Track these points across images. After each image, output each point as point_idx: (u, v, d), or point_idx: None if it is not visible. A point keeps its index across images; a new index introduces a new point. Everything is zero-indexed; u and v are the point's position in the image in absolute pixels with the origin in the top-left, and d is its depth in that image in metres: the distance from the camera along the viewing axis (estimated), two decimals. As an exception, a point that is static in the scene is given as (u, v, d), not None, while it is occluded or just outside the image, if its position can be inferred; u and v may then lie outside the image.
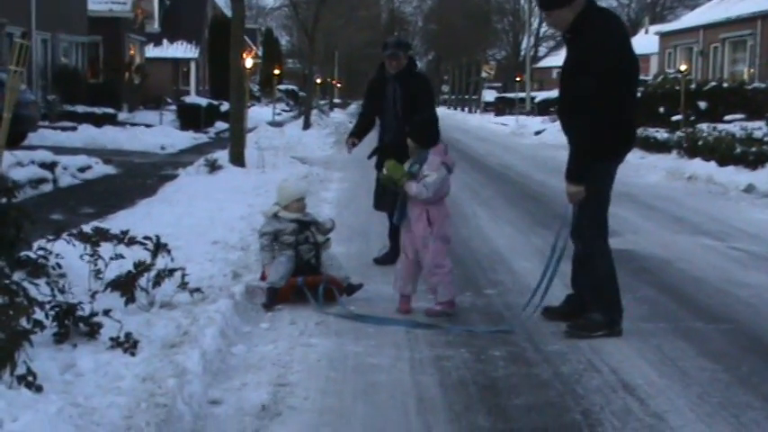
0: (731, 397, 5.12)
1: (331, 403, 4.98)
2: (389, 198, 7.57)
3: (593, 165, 6.12)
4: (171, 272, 6.44)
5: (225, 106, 33.60)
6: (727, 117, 25.20)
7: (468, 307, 7.17)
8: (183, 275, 6.50)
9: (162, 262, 6.52)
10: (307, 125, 35.24)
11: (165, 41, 51.23)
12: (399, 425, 4.70)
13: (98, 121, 28.79)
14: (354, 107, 66.65)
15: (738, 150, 16.98)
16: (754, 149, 16.78)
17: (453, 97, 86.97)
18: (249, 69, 27.92)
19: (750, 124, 21.32)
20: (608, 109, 5.96)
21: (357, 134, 9.09)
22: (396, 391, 5.19)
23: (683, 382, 5.38)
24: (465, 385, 5.29)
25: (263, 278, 7.26)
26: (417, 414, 4.84)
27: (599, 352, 5.91)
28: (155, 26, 47.61)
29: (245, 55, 20.65)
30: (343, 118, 48.84)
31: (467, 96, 79.35)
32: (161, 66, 48.45)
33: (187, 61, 53.14)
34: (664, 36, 46.04)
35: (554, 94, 51.60)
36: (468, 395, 5.13)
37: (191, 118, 33.79)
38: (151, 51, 48.18)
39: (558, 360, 5.77)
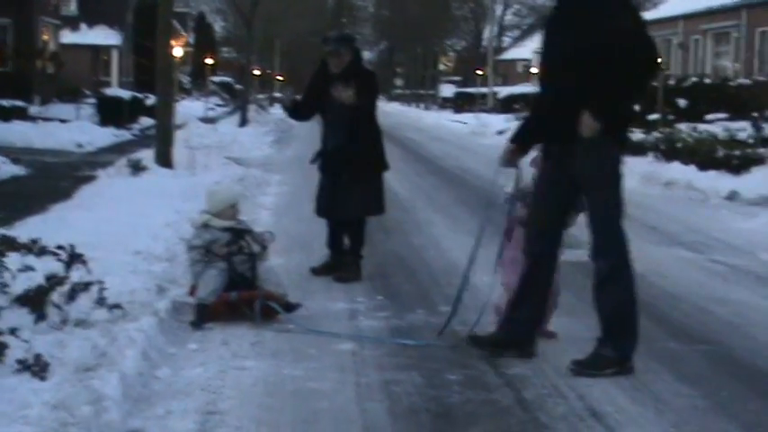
0: (709, 425, 5.20)
1: (267, 433, 4.98)
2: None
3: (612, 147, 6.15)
4: (87, 285, 6.39)
5: (151, 100, 33.44)
6: (709, 116, 25.52)
7: (422, 326, 7.20)
8: (101, 290, 6.45)
9: (77, 274, 6.47)
10: (243, 122, 35.21)
11: (83, 26, 50.83)
12: (343, 457, 4.72)
13: (5, 114, 28.46)
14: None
15: (720, 154, 17.20)
16: (737, 153, 17.02)
17: (407, 92, 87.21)
18: (178, 58, 27.79)
19: (733, 124, 21.61)
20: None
21: (299, 103, 9.24)
22: (339, 419, 5.19)
23: (656, 408, 5.45)
24: (416, 413, 5.31)
25: (191, 293, 7.24)
26: (363, 445, 4.86)
27: (565, 376, 5.96)
28: (71, 8, 47.28)
29: (173, 42, 20.56)
30: (285, 114, 48.75)
31: (422, 91, 79.63)
32: (78, 53, 48.05)
33: (108, 49, 52.76)
34: (640, 26, 46.46)
35: (519, 89, 51.99)
36: (420, 424, 5.15)
37: (112, 113, 33.50)
38: (67, 37, 47.73)
39: (520, 384, 5.81)
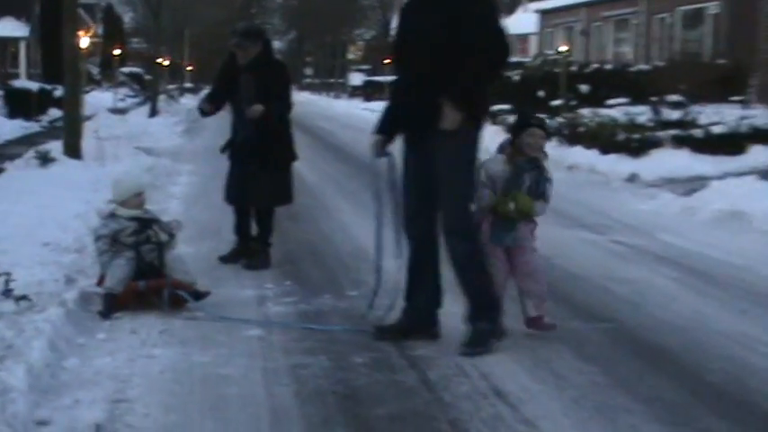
0: (608, 400, 5.30)
1: (175, 420, 4.96)
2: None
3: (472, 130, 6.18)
4: (-7, 278, 6.32)
5: (59, 91, 32.93)
6: (610, 101, 25.86)
7: (329, 311, 7.23)
8: (8, 281, 6.39)
9: (-18, 267, 6.39)
10: (153, 112, 34.84)
11: (-12, 18, 49.83)
12: (251, 441, 4.73)
13: None
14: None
15: (621, 137, 17.47)
16: (637, 136, 17.29)
17: (317, 81, 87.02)
18: (86, 49, 27.44)
19: (633, 109, 21.92)
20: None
21: (211, 102, 9.01)
22: (247, 404, 5.20)
23: (557, 386, 5.54)
24: (323, 395, 5.34)
25: (99, 283, 7.18)
26: (271, 428, 4.88)
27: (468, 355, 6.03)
28: (-24, 0, 46.32)
29: (80, 32, 20.25)
30: (195, 104, 48.39)
31: (332, 80, 79.52)
32: (-16, 45, 47.15)
33: (16, 41, 51.80)
34: (544, 14, 46.98)
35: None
36: (327, 406, 5.19)
37: (20, 105, 32.89)
38: (-27, 29, 46.84)
39: (424, 365, 5.87)
